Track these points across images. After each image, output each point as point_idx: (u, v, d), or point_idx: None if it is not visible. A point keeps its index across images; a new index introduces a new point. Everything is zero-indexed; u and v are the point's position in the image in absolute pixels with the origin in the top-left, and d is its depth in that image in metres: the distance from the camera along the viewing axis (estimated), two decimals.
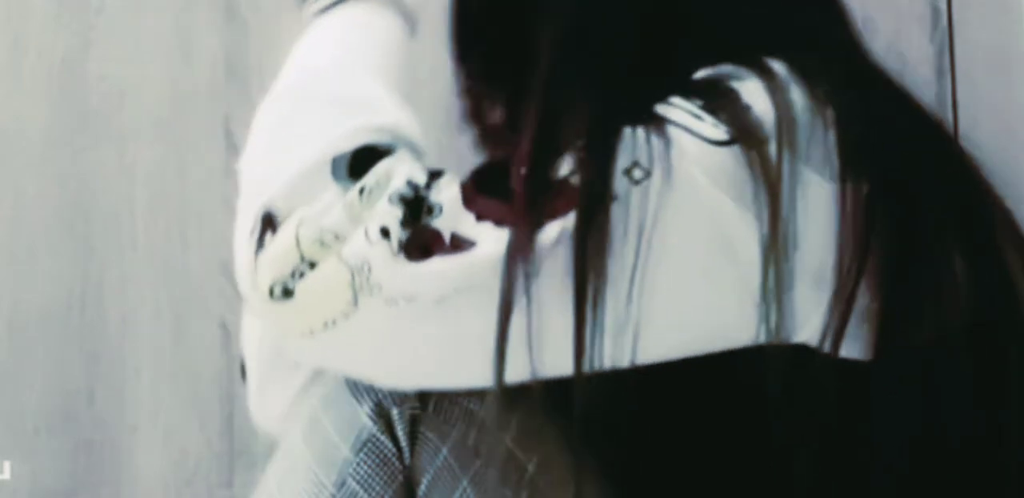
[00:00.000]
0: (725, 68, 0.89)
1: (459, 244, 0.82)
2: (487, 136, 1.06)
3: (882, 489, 0.88)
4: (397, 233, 0.81)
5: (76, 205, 1.44)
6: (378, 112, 0.89)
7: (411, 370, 0.86)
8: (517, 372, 0.83)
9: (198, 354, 1.41)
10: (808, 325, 0.86)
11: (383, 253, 0.81)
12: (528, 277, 0.81)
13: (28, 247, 1.44)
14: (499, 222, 0.83)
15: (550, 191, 0.83)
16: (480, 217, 0.83)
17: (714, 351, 0.87)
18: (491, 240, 0.82)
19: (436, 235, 0.82)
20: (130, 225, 1.43)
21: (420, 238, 0.82)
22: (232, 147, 1.42)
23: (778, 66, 0.88)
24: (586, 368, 0.82)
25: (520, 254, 0.81)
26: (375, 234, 0.81)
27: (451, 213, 0.83)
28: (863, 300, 0.86)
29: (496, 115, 1.05)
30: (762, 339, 0.84)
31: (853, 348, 0.87)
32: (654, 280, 0.83)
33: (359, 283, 0.81)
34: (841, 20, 1.00)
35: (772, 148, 0.84)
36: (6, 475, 1.42)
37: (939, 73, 1.26)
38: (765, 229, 0.83)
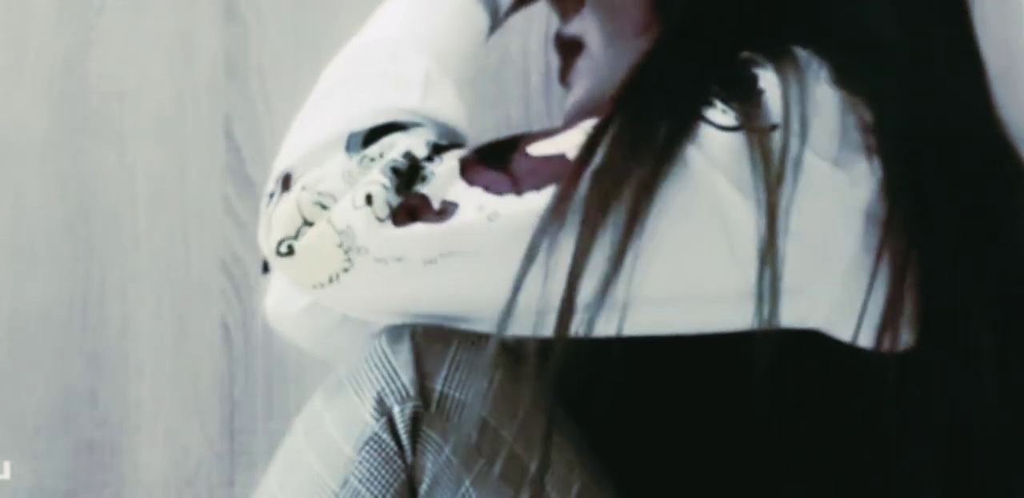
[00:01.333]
0: (751, 55, 0.89)
1: (446, 209, 0.86)
2: (562, 50, 1.07)
3: (883, 484, 0.89)
4: (381, 200, 0.86)
5: (76, 205, 1.43)
6: (412, 94, 0.93)
7: (414, 315, 0.90)
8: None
9: (199, 354, 1.41)
10: (817, 312, 0.87)
11: (365, 218, 0.86)
12: (551, 238, 0.84)
13: (28, 247, 1.44)
14: (488, 188, 0.86)
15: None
16: (472, 184, 0.87)
17: (709, 331, 0.88)
18: (473, 207, 0.85)
19: (424, 201, 0.86)
20: (131, 225, 1.43)
21: (408, 204, 0.86)
22: (232, 147, 1.42)
23: (804, 55, 0.88)
24: (571, 332, 0.85)
25: (558, 214, 0.84)
26: (360, 200, 0.86)
27: (443, 181, 0.87)
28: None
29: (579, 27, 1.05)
30: (755, 325, 0.85)
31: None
32: (646, 256, 0.84)
33: (347, 245, 0.86)
34: (946, 22, 0.97)
35: (777, 136, 0.85)
36: (6, 475, 1.42)
37: None
38: (764, 217, 0.84)
